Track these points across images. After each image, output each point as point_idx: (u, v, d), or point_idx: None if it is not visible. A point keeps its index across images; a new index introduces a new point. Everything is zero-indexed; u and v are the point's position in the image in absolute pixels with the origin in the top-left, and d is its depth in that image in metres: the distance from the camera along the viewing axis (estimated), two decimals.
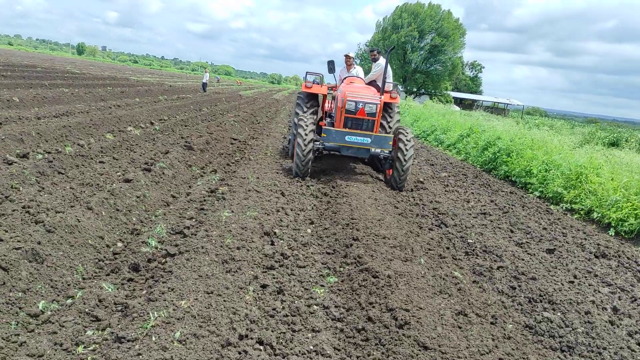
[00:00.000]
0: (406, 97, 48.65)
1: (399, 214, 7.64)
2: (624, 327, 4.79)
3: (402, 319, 3.98)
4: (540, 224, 8.72)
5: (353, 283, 4.83)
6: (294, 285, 4.77)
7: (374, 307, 4.29)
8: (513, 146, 14.05)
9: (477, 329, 4.17)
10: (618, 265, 6.78)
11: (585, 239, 8.07)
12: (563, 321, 4.66)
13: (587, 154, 12.23)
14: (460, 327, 4.13)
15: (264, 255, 5.44)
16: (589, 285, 5.90)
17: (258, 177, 9.20)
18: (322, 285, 4.89)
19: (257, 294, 4.51)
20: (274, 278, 4.89)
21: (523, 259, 6.48)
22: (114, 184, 7.14)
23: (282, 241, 6.00)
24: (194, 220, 6.61)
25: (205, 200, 7.62)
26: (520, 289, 5.41)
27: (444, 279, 5.14)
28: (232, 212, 6.72)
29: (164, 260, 5.11)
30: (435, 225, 7.74)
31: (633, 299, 5.58)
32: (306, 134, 9.21)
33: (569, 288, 5.62)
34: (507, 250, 6.72)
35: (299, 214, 7.38)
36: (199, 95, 34.69)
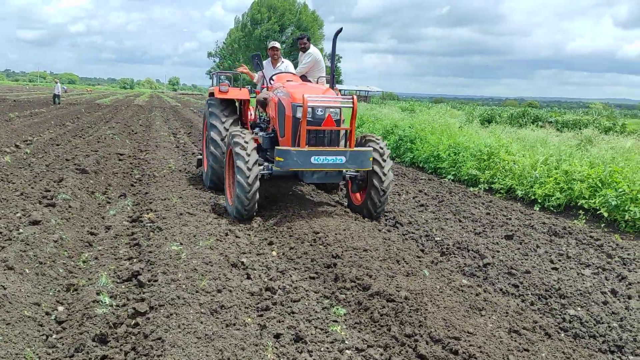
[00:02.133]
0: None
1: (356, 219, 7.09)
2: None
3: (464, 353, 3.43)
4: (480, 209, 8.70)
5: (370, 313, 4.18)
6: (307, 328, 4.01)
7: (416, 340, 3.69)
8: (415, 132, 14.17)
9: (540, 346, 3.76)
10: (577, 243, 6.85)
11: (530, 219, 8.15)
12: (591, 317, 4.43)
13: (493, 133, 12.63)
14: (527, 350, 3.68)
15: (250, 294, 4.59)
16: (570, 268, 5.82)
17: (180, 197, 8.13)
18: (335, 321, 4.18)
19: (276, 348, 3.70)
20: (279, 322, 4.08)
21: (498, 251, 6.27)
22: (21, 229, 5.77)
23: (255, 271, 5.16)
24: (136, 260, 5.51)
25: (134, 233, 6.47)
26: (523, 287, 5.14)
27: (462, 290, 4.68)
28: (181, 244, 5.72)
29: (134, 322, 4.06)
30: (391, 226, 7.34)
31: (619, 277, 5.57)
32: (248, 157, 6.72)
33: (563, 276, 5.48)
34: (477, 244, 6.49)
35: (250, 234, 6.54)
36: (53, 108, 31.42)
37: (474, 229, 7.37)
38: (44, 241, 5.54)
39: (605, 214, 7.91)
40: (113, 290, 4.70)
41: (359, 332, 4.02)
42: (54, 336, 3.95)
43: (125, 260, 5.60)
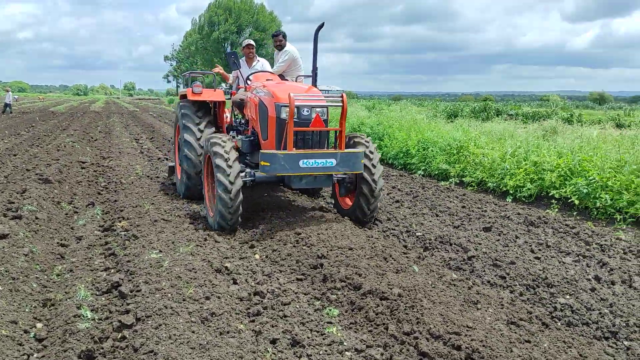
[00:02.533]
0: None
1: (336, 218, 7.00)
2: (629, 295, 4.77)
3: (467, 348, 3.39)
4: (455, 203, 8.74)
5: (365, 312, 4.10)
6: (302, 331, 3.89)
7: (416, 338, 3.62)
8: (383, 129, 14.20)
9: (540, 337, 3.75)
10: (554, 232, 6.95)
11: (505, 210, 8.24)
12: (582, 304, 4.47)
13: (459, 128, 12.76)
14: (528, 341, 3.66)
15: (240, 300, 4.45)
16: (552, 257, 5.88)
17: (153, 204, 7.89)
18: (329, 323, 4.08)
19: (274, 354, 3.58)
20: (273, 327, 3.95)
21: (480, 244, 6.30)
22: None
23: (240, 276, 5.01)
24: (114, 271, 5.29)
25: (108, 243, 6.22)
26: (510, 277, 5.15)
27: (454, 284, 4.65)
28: (160, 251, 5.53)
29: (120, 335, 3.87)
30: (372, 223, 7.28)
31: (600, 263, 5.66)
32: (229, 164, 6.21)
33: (546, 265, 5.53)
34: (459, 237, 6.51)
35: (229, 238, 6.38)
36: (5, 117, 30.29)
37: (452, 223, 7.40)
38: (14, 255, 5.26)
39: (577, 202, 8.06)
40: (93, 303, 4.48)
41: (356, 332, 3.93)
42: (35, 355, 3.73)
43: (101, 271, 5.37)
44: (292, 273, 5.16)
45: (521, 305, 4.41)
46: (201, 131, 8.07)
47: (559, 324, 4.18)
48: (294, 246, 5.78)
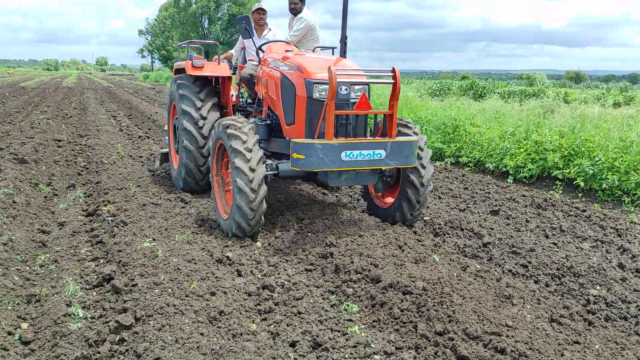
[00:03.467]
0: None
1: (339, 202, 6.61)
2: None
3: (512, 351, 3.04)
4: (456, 184, 8.42)
5: (389, 309, 3.72)
6: (322, 331, 3.50)
7: (451, 339, 3.27)
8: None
9: (589, 337, 3.44)
10: (564, 216, 6.67)
11: (509, 192, 7.94)
12: (616, 296, 4.18)
13: (453, 106, 12.41)
14: (578, 342, 3.33)
15: (248, 295, 4.04)
16: (569, 243, 5.60)
17: (139, 186, 7.39)
18: (349, 320, 3.70)
19: (296, 359, 3.19)
20: (289, 326, 3.57)
21: (492, 228, 5.98)
22: None
23: (244, 267, 4.59)
24: (104, 261, 4.83)
25: (94, 229, 5.73)
26: (533, 267, 4.84)
27: (480, 276, 4.31)
28: (154, 240, 5.08)
29: (118, 338, 3.43)
30: None
31: (621, 249, 5.39)
32: (250, 153, 4.99)
33: (566, 252, 5.23)
34: (469, 222, 6.18)
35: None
36: None
37: (457, 206, 7.08)
38: None
39: (582, 184, 7.81)
40: (84, 299, 4.04)
41: (381, 331, 3.56)
42: None
43: (89, 261, 4.91)
44: (299, 263, 4.76)
45: (556, 299, 4.09)
46: (204, 117, 6.73)
47: (602, 321, 3.87)
48: (298, 233, 5.37)
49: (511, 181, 8.87)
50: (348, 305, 3.92)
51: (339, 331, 3.55)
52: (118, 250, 4.89)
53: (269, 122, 6.12)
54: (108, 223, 5.80)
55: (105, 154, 10.01)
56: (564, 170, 8.22)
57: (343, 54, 6.14)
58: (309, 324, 3.61)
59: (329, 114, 4.82)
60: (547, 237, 5.78)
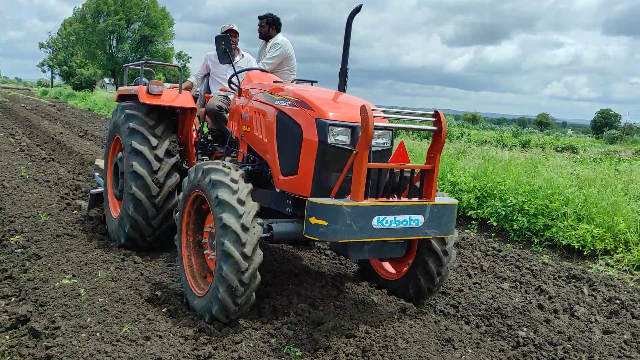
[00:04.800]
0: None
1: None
2: (579, 327, 4.78)
3: None
4: None
5: (333, 354, 3.66)
6: None
7: None
8: None
9: None
10: (483, 255, 6.97)
11: None
12: (542, 338, 4.37)
13: None
14: None
15: (184, 339, 3.80)
16: (490, 283, 5.83)
17: (49, 214, 6.85)
18: None
19: None
20: None
21: None
22: None
23: (174, 306, 4.34)
24: (17, 300, 4.37)
25: (2, 262, 5.20)
26: (462, 307, 4.95)
27: (419, 318, 4.33)
28: (74, 276, 4.70)
29: None
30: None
31: (538, 290, 5.69)
32: (243, 207, 3.86)
33: (490, 293, 5.45)
34: None
35: (150, 259, 5.62)
36: None
37: None
38: None
39: (495, 224, 8.24)
40: None
41: None
42: None
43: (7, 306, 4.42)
44: None
45: (492, 342, 4.21)
46: (160, 159, 5.46)
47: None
48: None
49: None
50: (290, 349, 3.80)
51: None
52: (33, 287, 4.47)
53: (250, 167, 4.90)
54: (17, 256, 5.29)
55: (6, 177, 9.21)
56: (478, 211, 8.64)
57: (343, 88, 4.96)
58: None
59: (359, 167, 3.74)
60: (470, 276, 5.99)
